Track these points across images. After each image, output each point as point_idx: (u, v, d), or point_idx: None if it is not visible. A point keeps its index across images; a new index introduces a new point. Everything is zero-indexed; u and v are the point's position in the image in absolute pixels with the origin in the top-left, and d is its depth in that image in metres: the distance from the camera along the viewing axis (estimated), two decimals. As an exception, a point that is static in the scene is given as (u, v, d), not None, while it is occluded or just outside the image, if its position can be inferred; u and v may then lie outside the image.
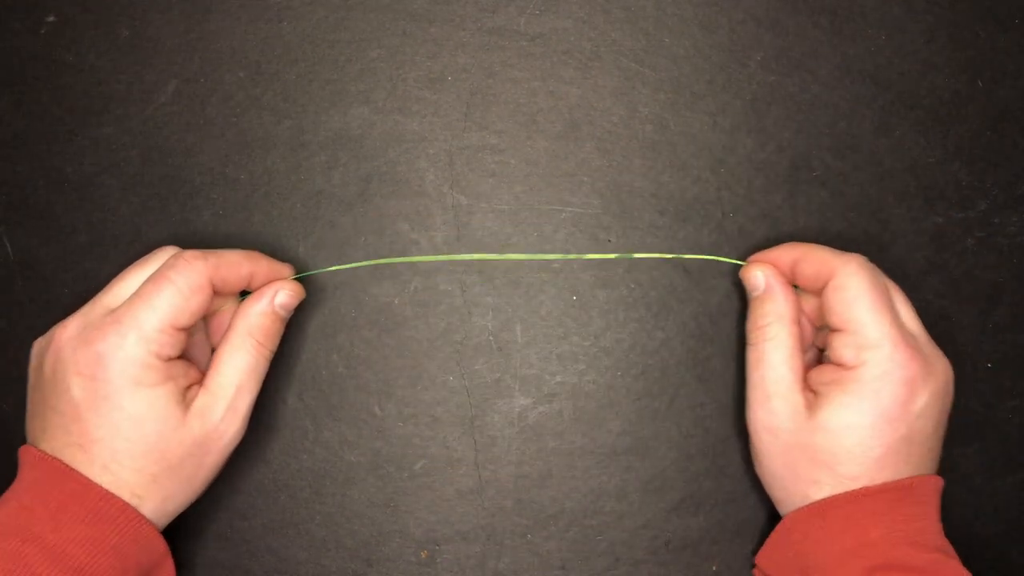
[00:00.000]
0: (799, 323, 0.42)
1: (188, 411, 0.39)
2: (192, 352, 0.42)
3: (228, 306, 0.43)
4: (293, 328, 0.46)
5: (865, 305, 0.39)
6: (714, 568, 0.45)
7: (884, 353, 0.39)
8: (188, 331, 0.40)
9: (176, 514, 0.40)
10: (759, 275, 0.42)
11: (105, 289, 0.41)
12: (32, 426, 0.40)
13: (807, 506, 0.40)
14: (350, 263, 0.46)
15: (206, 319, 0.43)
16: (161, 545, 0.39)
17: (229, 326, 0.41)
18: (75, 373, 0.38)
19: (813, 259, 0.41)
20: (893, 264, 0.46)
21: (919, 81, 0.48)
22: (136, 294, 0.39)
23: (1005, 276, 0.47)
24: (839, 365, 0.40)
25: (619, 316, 0.46)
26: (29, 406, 0.41)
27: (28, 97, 0.47)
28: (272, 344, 0.42)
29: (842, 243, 0.47)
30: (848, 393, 0.39)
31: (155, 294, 0.38)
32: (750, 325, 0.42)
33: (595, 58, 0.47)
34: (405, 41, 0.47)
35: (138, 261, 0.41)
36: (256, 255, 0.42)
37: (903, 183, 0.47)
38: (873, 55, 0.47)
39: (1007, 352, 0.47)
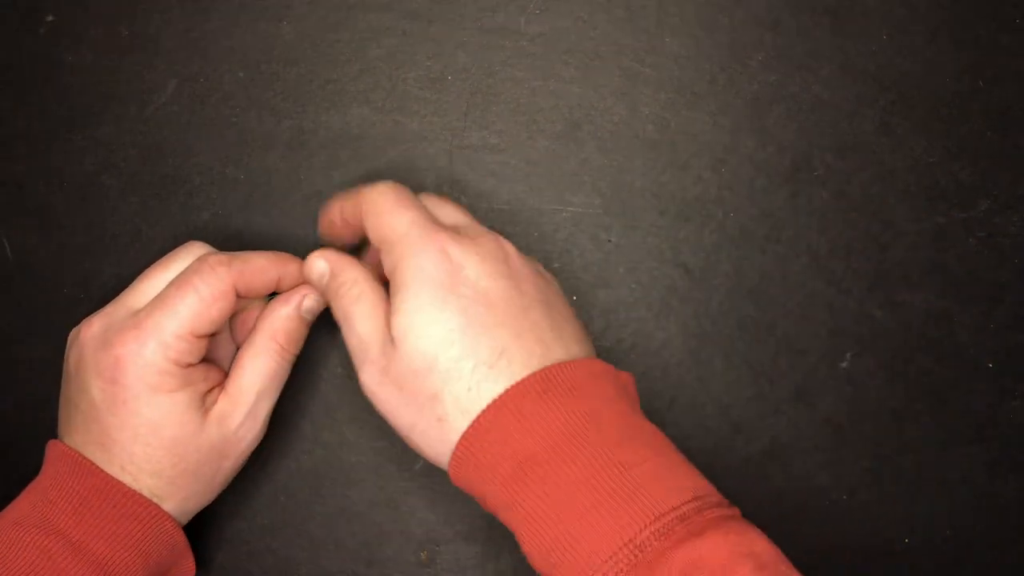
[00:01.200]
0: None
1: (207, 417, 0.39)
2: (215, 351, 0.42)
3: (255, 305, 0.42)
4: (293, 328, 0.46)
5: (379, 211, 0.37)
6: (714, 569, 0.45)
7: (408, 240, 0.36)
8: (210, 337, 0.40)
9: (195, 512, 0.41)
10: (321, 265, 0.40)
11: (130, 288, 0.40)
12: (60, 419, 0.40)
13: (453, 453, 0.35)
14: None
15: (232, 318, 0.42)
16: (182, 542, 0.39)
17: (253, 328, 0.41)
18: (95, 375, 0.38)
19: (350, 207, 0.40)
20: (894, 264, 0.46)
21: (921, 81, 0.47)
22: (158, 298, 0.38)
23: (1007, 276, 0.47)
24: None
25: (619, 316, 0.46)
26: (60, 398, 0.41)
27: (28, 97, 0.47)
28: (295, 348, 0.41)
29: (843, 243, 0.46)
30: (398, 297, 0.36)
31: (177, 300, 0.38)
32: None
33: (596, 58, 0.47)
34: (405, 41, 0.47)
35: (164, 258, 0.40)
36: (285, 258, 0.41)
37: (905, 183, 0.47)
38: (875, 55, 0.47)
39: (1009, 352, 0.47)
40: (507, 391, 0.34)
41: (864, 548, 0.46)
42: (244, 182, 0.47)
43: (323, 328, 0.46)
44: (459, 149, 0.47)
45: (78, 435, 0.38)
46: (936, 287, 0.47)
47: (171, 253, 0.41)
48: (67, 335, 0.41)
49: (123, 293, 0.40)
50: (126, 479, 0.38)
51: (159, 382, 0.38)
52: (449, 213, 0.40)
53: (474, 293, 0.36)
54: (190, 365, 0.39)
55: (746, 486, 0.46)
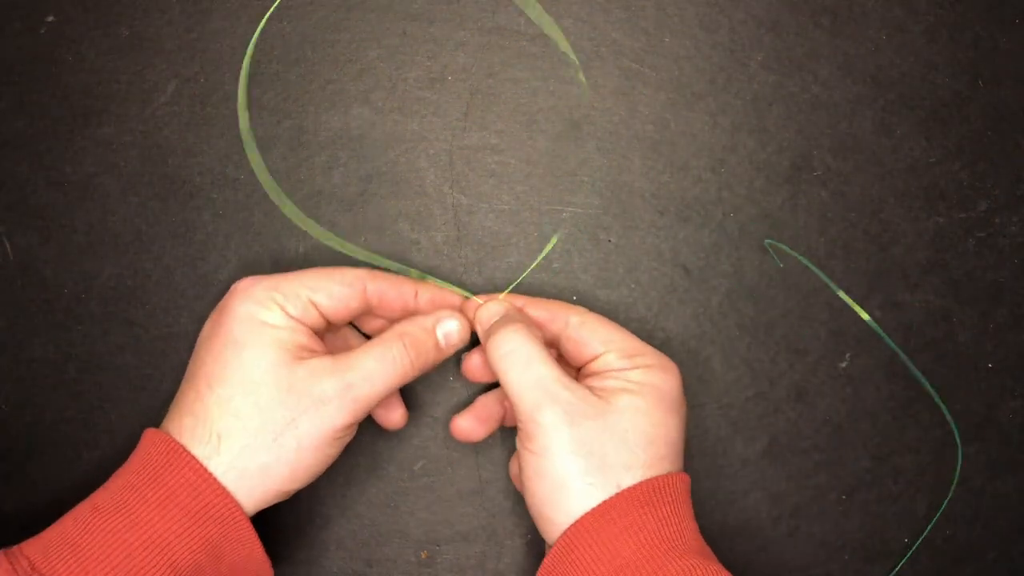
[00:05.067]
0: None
1: (297, 362, 0.38)
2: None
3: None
4: (293, 328, 0.46)
5: (612, 328, 0.42)
6: (714, 569, 0.45)
7: (651, 354, 0.40)
8: (325, 323, 0.40)
9: (265, 497, 0.38)
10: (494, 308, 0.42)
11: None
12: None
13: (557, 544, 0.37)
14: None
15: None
16: (256, 545, 0.38)
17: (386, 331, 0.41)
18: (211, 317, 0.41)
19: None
20: (894, 264, 0.46)
21: (920, 81, 0.47)
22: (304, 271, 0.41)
23: (1006, 276, 0.47)
24: (606, 373, 0.40)
25: (619, 316, 0.46)
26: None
27: (28, 97, 0.47)
28: (418, 357, 0.40)
29: (843, 243, 0.46)
30: (631, 392, 0.39)
31: (314, 274, 0.40)
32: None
33: (595, 58, 0.47)
34: (405, 41, 0.47)
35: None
36: (445, 310, 0.42)
37: (904, 183, 0.47)
38: (874, 55, 0.47)
39: (1008, 353, 0.47)
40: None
41: (864, 548, 0.46)
42: (244, 182, 0.47)
43: (323, 328, 0.46)
44: (459, 149, 0.47)
45: (175, 413, 0.38)
46: (935, 287, 0.47)
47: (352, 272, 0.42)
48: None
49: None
50: (207, 452, 0.36)
51: (255, 311, 0.38)
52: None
53: (680, 422, 0.41)
54: (293, 318, 0.39)
55: (746, 486, 0.46)
